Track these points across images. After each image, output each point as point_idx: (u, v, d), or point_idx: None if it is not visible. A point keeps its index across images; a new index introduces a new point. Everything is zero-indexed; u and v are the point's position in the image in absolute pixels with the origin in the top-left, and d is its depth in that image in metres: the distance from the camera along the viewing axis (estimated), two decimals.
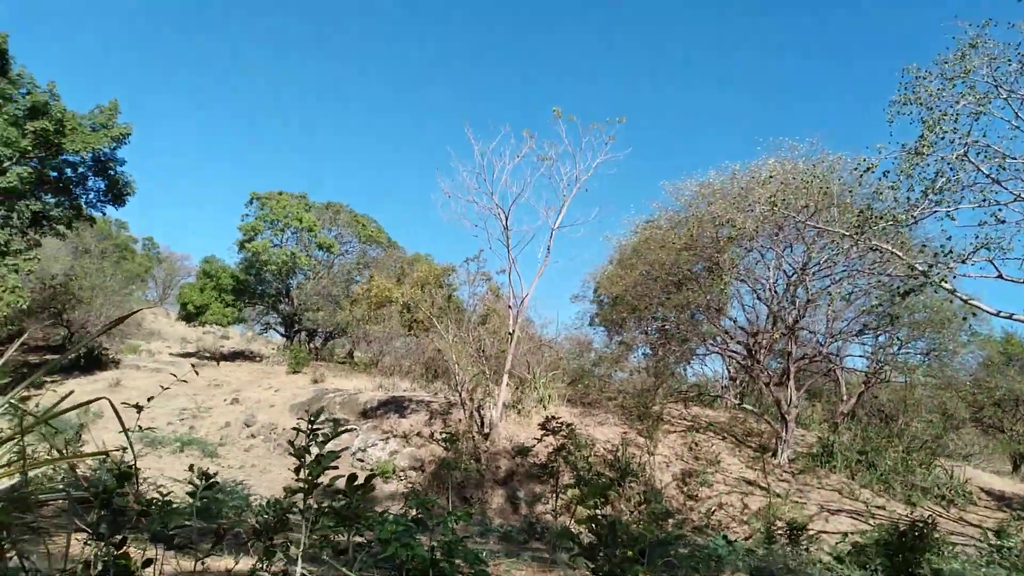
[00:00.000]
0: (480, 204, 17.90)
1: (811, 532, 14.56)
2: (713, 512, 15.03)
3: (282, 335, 33.04)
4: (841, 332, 20.89)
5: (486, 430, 16.70)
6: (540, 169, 17.66)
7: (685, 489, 15.93)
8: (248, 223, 30.09)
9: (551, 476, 15.04)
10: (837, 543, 10.73)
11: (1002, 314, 12.77)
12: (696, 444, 18.31)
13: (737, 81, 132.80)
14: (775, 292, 18.21)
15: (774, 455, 18.06)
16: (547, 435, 13.88)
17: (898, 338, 20.33)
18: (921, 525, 8.27)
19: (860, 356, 22.94)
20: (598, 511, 4.92)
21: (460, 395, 17.00)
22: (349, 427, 18.78)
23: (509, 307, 17.71)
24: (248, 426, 19.30)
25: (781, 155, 15.60)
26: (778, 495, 15.99)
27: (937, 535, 8.81)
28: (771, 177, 13.73)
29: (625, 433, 17.04)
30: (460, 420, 17.60)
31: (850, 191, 12.98)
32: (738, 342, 19.08)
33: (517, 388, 18.99)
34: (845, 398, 23.01)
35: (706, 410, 22.13)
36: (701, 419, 20.87)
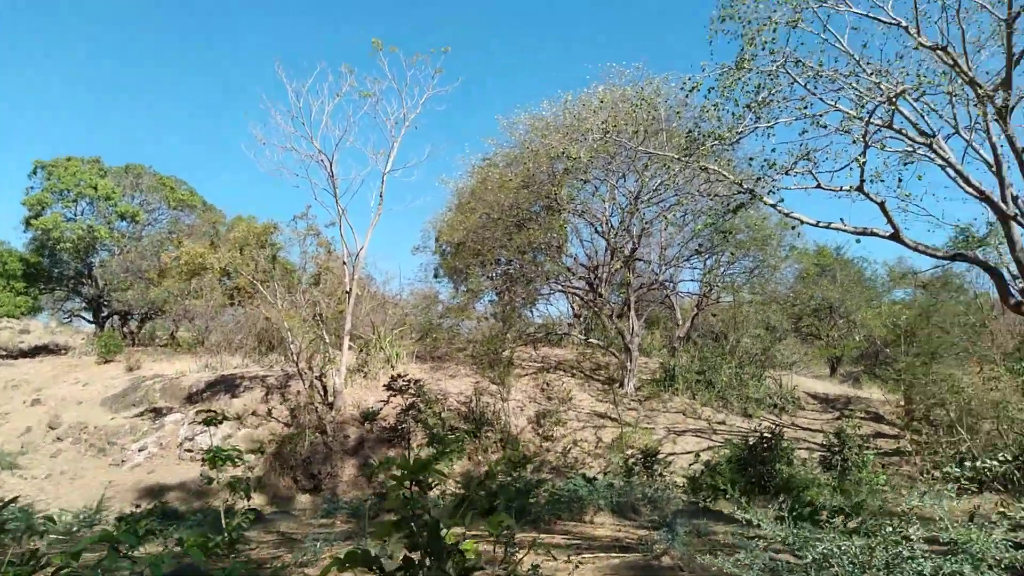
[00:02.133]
0: (300, 151, 16.26)
1: (662, 455, 15.00)
2: (569, 450, 15.06)
3: (90, 322, 29.48)
4: (675, 258, 21.60)
5: (330, 399, 15.59)
6: (363, 107, 16.26)
7: (540, 431, 15.83)
8: (33, 196, 26.11)
9: (402, 438, 14.33)
10: (691, 464, 10.96)
11: (821, 223, 13.40)
12: (548, 384, 18.30)
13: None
14: (611, 224, 18.30)
15: (621, 385, 18.42)
16: (394, 395, 13.08)
17: (724, 260, 21.29)
18: (769, 436, 8.49)
19: (691, 280, 23.97)
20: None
21: (297, 365, 15.68)
22: (171, 415, 17.17)
23: (344, 264, 16.51)
24: (53, 428, 16.88)
25: (610, 81, 15.47)
26: (628, 424, 16.31)
27: (785, 443, 9.14)
28: (601, 104, 13.51)
29: (478, 383, 16.61)
30: (300, 392, 16.34)
31: (677, 113, 12.98)
32: (580, 278, 19.10)
33: (361, 351, 17.94)
34: (681, 323, 24.01)
35: (555, 349, 22.26)
36: (551, 359, 20.95)
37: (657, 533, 5.80)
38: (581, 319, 24.04)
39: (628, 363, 18.11)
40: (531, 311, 26.48)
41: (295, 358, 15.56)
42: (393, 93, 16.28)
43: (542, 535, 6.34)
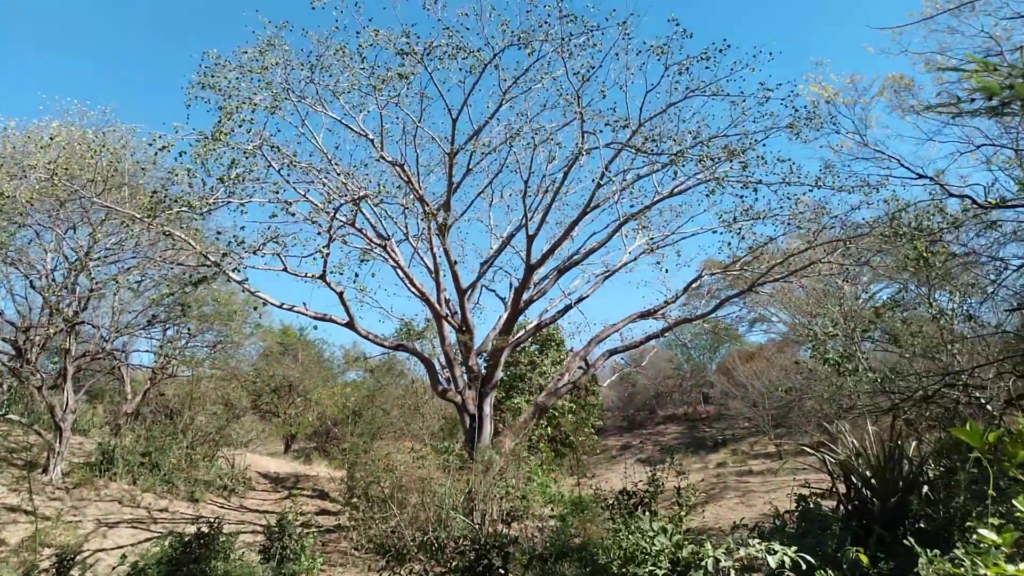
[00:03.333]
0: None
1: (86, 553, 12.98)
2: None
3: None
4: (128, 325, 19.52)
5: None
6: None
7: None
8: None
9: None
10: (114, 567, 9.57)
11: (284, 306, 13.77)
12: None
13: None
14: (53, 279, 15.64)
15: (45, 471, 15.47)
16: None
17: (188, 331, 20.14)
18: (206, 532, 7.93)
19: (147, 351, 21.92)
20: None
21: None
22: None
23: None
24: None
25: (68, 119, 13.47)
26: (48, 518, 13.68)
27: (224, 535, 8.66)
28: (52, 140, 11.60)
29: None
30: None
31: (143, 170, 11.98)
32: (3, 339, 15.71)
33: None
34: (130, 397, 21.64)
35: None
36: None
37: None
38: (3, 388, 19.71)
39: (57, 444, 15.36)
40: None
41: None
42: None
43: None
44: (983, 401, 9.36)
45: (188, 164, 10.47)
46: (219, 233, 11.38)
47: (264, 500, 19.39)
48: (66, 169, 10.66)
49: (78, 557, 9.36)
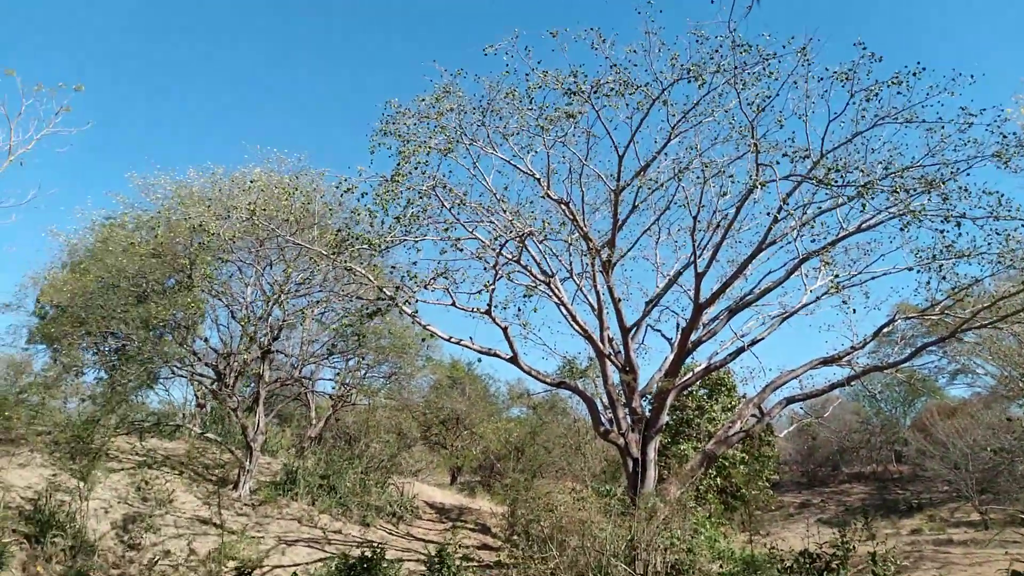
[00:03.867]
0: None
1: (266, 568, 13.81)
2: (156, 561, 13.06)
3: None
4: (314, 355, 21.03)
5: None
6: None
7: (126, 538, 13.54)
8: None
9: None
10: None
11: (452, 339, 14.21)
12: (147, 483, 15.96)
13: (229, 82, 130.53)
14: (252, 311, 17.23)
15: (235, 488, 16.87)
16: None
17: (365, 362, 21.34)
18: (369, 556, 8.20)
19: (330, 380, 23.48)
20: None
21: None
22: None
23: None
24: None
25: (268, 166, 14.98)
26: (234, 532, 14.85)
27: (387, 560, 8.92)
28: (253, 184, 12.92)
29: (55, 475, 13.82)
30: None
31: (331, 210, 12.97)
32: (207, 364, 17.43)
33: None
34: (314, 422, 23.22)
35: (167, 442, 19.77)
36: (158, 453, 18.48)
37: None
38: (205, 410, 21.91)
39: (247, 462, 16.72)
40: (147, 395, 23.57)
41: None
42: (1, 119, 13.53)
43: None
44: None
45: (369, 204, 11.18)
46: (393, 268, 12.02)
47: (429, 530, 19.89)
48: (264, 210, 11.78)
49: (256, 572, 9.97)
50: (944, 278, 13.94)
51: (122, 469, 16.14)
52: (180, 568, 13.39)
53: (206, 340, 18.34)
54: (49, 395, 15.87)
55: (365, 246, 11.58)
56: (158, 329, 17.52)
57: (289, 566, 13.93)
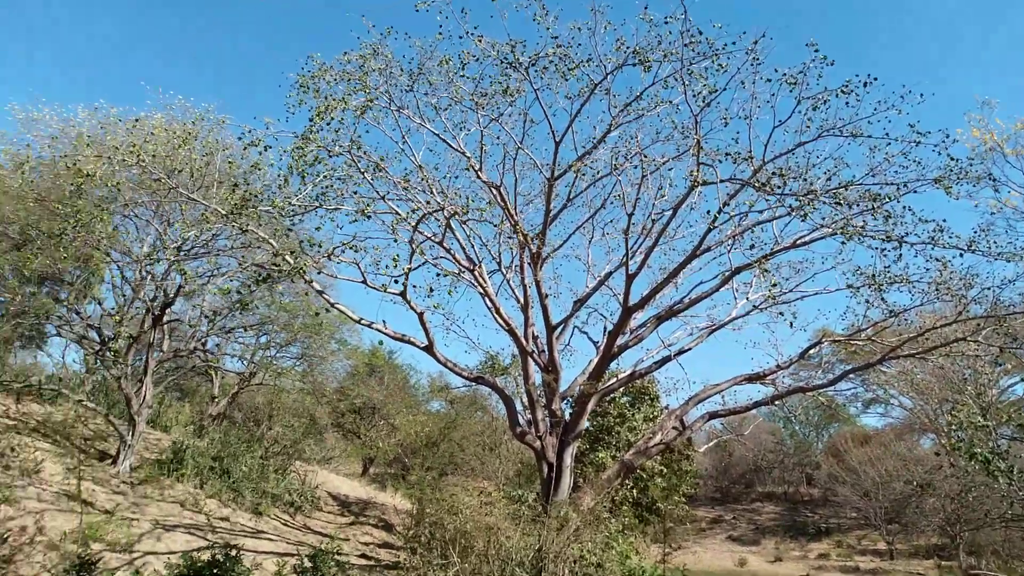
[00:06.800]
0: None
1: (136, 554, 12.61)
2: (6, 537, 11.59)
3: None
4: (223, 328, 19.63)
5: None
6: None
7: None
8: None
9: None
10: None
11: (363, 321, 13.15)
12: (12, 450, 14.38)
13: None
14: (150, 273, 15.77)
15: (114, 463, 15.42)
16: None
17: (276, 341, 20.06)
18: (221, 559, 7.10)
19: (238, 356, 22.02)
20: None
21: None
22: None
23: None
24: None
25: (171, 113, 13.56)
26: (107, 511, 13.47)
27: (242, 567, 7.78)
28: (136, 123, 11.53)
29: None
30: None
31: (229, 163, 11.70)
32: (89, 326, 15.90)
33: None
34: (218, 399, 21.78)
35: (49, 407, 18.03)
36: (34, 418, 16.82)
37: None
38: (95, 376, 20.24)
39: (129, 436, 15.30)
40: (35, 356, 21.75)
41: None
42: None
43: None
44: None
45: (277, 164, 10.06)
46: (289, 230, 10.87)
47: (329, 523, 18.72)
48: (153, 156, 10.46)
49: (95, 565, 8.69)
50: (871, 305, 13.66)
51: None
52: (35, 546, 11.98)
53: (100, 302, 16.76)
54: None
55: (269, 208, 10.44)
56: (46, 283, 15.95)
57: (164, 553, 12.66)
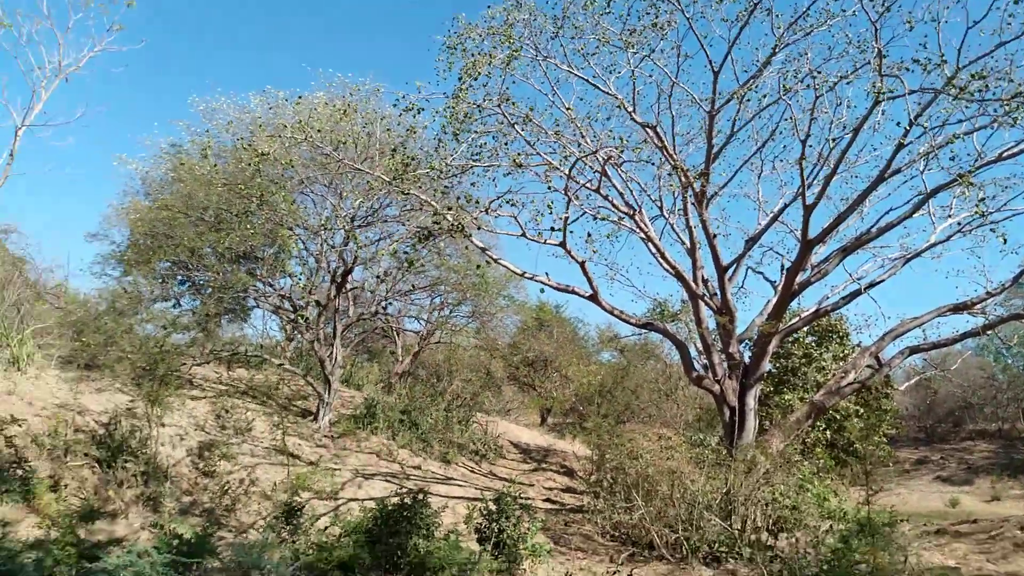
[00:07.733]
0: None
1: (340, 500, 13.60)
2: (228, 489, 13.03)
3: None
4: (400, 291, 20.62)
5: None
6: None
7: (201, 465, 13.60)
8: None
9: None
10: (326, 527, 9.64)
11: (526, 274, 13.22)
12: (227, 411, 16.06)
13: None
14: (331, 244, 16.79)
15: (315, 419, 16.80)
16: None
17: (449, 301, 20.81)
18: (410, 503, 7.46)
19: (416, 317, 23.16)
20: None
21: None
22: None
23: None
24: None
25: (332, 91, 14.18)
26: (312, 463, 14.75)
27: (431, 509, 8.14)
28: (300, 102, 12.16)
29: (133, 401, 13.97)
30: None
31: (387, 130, 12.07)
32: (281, 296, 17.25)
33: None
34: (401, 358, 23.07)
35: (255, 372, 20.00)
36: (242, 383, 18.71)
37: None
38: (293, 342, 22.11)
39: (326, 395, 16.57)
40: (241, 328, 24.04)
41: None
42: (50, 35, 12.53)
43: None
44: None
45: (426, 123, 10.22)
46: (448, 188, 11.02)
47: (513, 470, 19.33)
48: (319, 131, 11.00)
49: (301, 510, 9.48)
50: None
51: (204, 398, 16.33)
52: (251, 496, 13.37)
53: (291, 275, 18.14)
54: (129, 324, 16.08)
55: (428, 171, 10.65)
56: (240, 261, 17.43)
57: (365, 499, 13.67)
